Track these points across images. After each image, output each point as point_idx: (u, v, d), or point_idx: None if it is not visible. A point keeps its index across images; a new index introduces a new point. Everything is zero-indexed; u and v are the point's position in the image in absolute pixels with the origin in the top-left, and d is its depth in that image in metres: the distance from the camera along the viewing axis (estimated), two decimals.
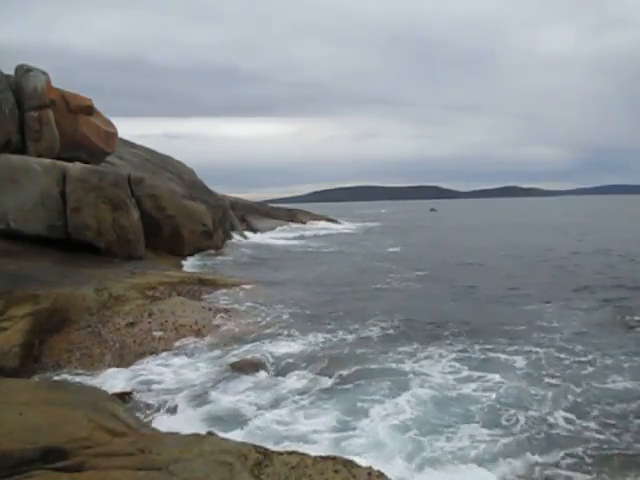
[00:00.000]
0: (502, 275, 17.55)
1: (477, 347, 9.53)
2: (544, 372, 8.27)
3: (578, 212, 74.12)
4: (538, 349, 9.32)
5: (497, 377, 8.00)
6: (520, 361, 8.77)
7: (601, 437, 6.24)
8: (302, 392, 7.70)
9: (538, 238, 32.25)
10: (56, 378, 8.18)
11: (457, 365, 8.62)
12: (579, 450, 5.97)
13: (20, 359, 8.70)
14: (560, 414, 6.83)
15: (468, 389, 7.64)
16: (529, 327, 10.82)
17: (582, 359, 8.86)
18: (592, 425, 6.54)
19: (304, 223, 44.08)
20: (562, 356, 9.00)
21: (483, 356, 9.09)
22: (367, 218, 64.38)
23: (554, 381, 7.90)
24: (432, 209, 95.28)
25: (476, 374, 8.20)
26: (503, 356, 9.03)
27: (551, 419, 6.71)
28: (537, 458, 5.81)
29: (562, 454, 5.90)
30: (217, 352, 9.45)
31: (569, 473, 5.53)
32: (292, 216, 45.29)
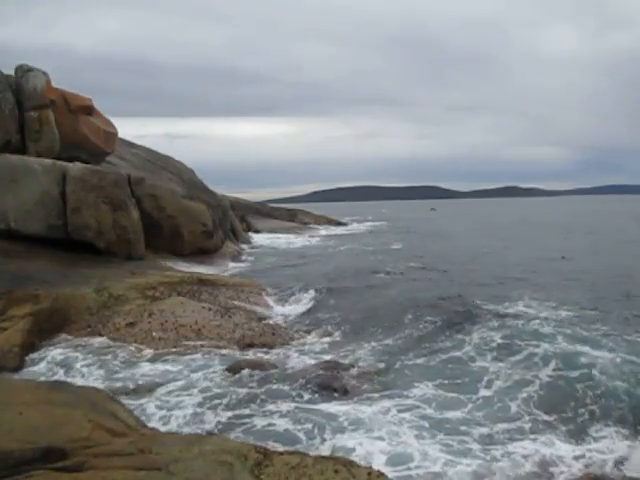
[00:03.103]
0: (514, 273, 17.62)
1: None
2: None
3: (580, 212, 74.18)
4: None
5: None
6: None
7: None
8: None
9: (539, 236, 32.34)
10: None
11: None
12: None
13: (20, 359, 8.71)
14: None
15: None
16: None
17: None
18: None
19: (305, 223, 44.07)
20: None
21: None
22: (368, 218, 64.37)
23: None
24: (432, 209, 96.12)
25: None
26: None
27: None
28: None
29: None
30: (215, 351, 9.46)
31: None
32: (292, 216, 45.26)
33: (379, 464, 5.41)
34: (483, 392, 7.54)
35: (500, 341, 9.37)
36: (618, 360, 8.08)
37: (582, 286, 14.82)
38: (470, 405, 7.17)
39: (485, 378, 7.95)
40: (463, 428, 6.49)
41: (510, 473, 5.51)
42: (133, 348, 9.50)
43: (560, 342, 9.08)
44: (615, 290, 14.08)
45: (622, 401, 6.99)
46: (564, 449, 5.99)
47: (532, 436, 6.32)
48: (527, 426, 6.57)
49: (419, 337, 10.13)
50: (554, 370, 7.95)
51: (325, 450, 5.69)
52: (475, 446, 6.06)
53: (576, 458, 5.80)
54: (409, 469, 5.52)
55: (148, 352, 9.37)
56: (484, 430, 6.45)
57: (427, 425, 6.56)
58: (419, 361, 8.88)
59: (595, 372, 7.64)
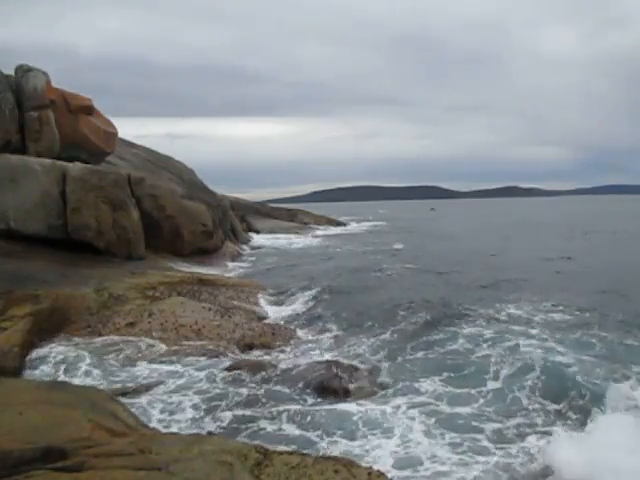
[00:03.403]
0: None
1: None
2: None
3: (582, 212, 74.15)
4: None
5: None
6: None
7: None
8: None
9: (541, 237, 32.34)
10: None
11: None
12: None
13: (20, 359, 8.70)
14: None
15: None
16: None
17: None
18: None
19: (305, 223, 44.04)
20: None
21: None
22: (368, 218, 64.37)
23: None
24: (432, 209, 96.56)
25: None
26: None
27: None
28: None
29: None
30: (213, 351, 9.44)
31: None
32: (292, 216, 45.21)
33: (392, 465, 5.43)
34: (491, 384, 7.64)
35: (490, 335, 9.62)
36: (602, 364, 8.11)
37: (581, 288, 14.69)
38: (481, 400, 7.23)
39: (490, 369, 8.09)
40: (475, 424, 6.50)
41: (521, 470, 5.51)
42: (143, 345, 9.51)
43: (545, 342, 9.17)
44: (615, 293, 13.89)
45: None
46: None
47: (543, 428, 6.35)
48: (539, 419, 6.62)
49: (415, 335, 10.12)
50: (544, 366, 8.00)
51: (336, 452, 5.63)
52: (487, 443, 6.06)
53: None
54: (418, 471, 5.50)
55: (161, 347, 9.45)
56: (496, 425, 6.48)
57: (436, 423, 6.56)
58: (419, 354, 9.00)
59: (579, 375, 7.63)
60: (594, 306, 12.03)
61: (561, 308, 11.77)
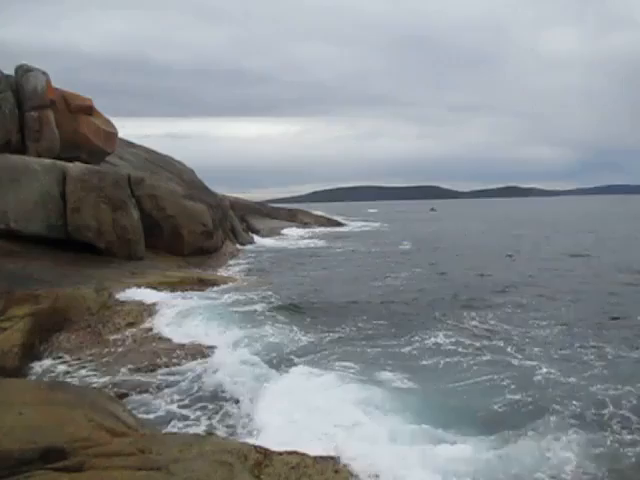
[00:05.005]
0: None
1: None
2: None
3: (585, 212, 73.98)
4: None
5: None
6: None
7: None
8: None
9: (545, 237, 32.29)
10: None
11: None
12: None
13: (20, 359, 8.70)
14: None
15: None
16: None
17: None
18: None
19: (305, 224, 44.04)
20: None
21: None
22: (369, 218, 64.32)
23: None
24: (432, 209, 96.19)
25: None
26: None
27: None
28: None
29: None
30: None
31: None
32: (292, 216, 45.20)
33: None
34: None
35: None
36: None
37: (583, 295, 13.70)
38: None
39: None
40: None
41: None
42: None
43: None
44: (615, 302, 12.91)
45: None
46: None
47: None
48: None
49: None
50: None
51: None
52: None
53: None
54: None
55: None
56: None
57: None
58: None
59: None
60: (593, 320, 11.05)
61: (555, 325, 10.66)
